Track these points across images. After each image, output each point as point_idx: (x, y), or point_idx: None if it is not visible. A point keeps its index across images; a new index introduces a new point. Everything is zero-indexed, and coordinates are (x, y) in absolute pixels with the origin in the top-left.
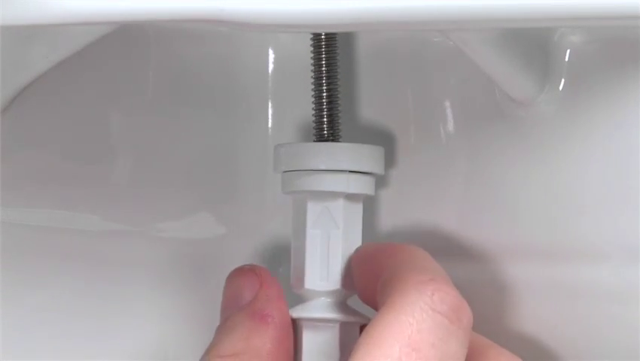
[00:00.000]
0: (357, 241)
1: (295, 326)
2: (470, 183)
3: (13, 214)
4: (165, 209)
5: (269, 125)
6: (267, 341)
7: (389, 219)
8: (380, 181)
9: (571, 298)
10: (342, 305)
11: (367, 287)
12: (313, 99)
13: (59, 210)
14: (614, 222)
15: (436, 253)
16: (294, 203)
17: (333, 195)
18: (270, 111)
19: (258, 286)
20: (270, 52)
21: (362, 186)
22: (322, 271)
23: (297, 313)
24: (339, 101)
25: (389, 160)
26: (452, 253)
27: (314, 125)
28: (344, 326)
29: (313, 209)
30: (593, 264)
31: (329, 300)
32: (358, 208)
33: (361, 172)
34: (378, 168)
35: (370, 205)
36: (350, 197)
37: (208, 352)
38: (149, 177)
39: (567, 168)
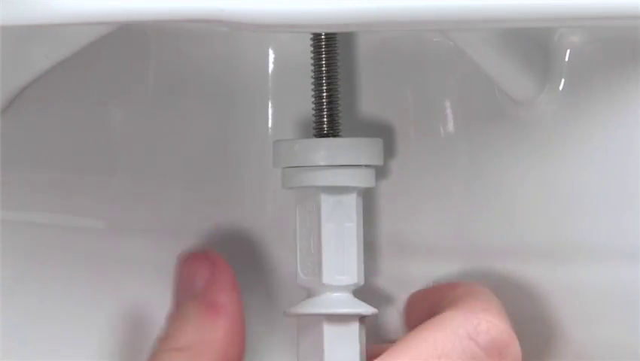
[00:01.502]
0: (361, 234)
1: (307, 320)
2: (470, 183)
3: (13, 214)
4: (165, 208)
5: (270, 124)
6: (220, 333)
7: (389, 216)
8: (380, 177)
9: (571, 298)
10: (355, 298)
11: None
12: (313, 99)
13: (59, 210)
14: (614, 222)
15: (434, 252)
16: (299, 199)
17: (347, 189)
18: (270, 111)
19: (210, 273)
20: (270, 52)
21: (370, 178)
22: (339, 265)
23: (318, 309)
24: (339, 102)
25: (389, 159)
26: (450, 253)
27: (314, 124)
28: (361, 319)
29: (327, 203)
30: (593, 264)
31: (346, 294)
32: (360, 201)
33: (370, 166)
34: (380, 160)
35: (370, 201)
36: (358, 190)
37: (162, 343)
38: (149, 177)
39: (567, 168)
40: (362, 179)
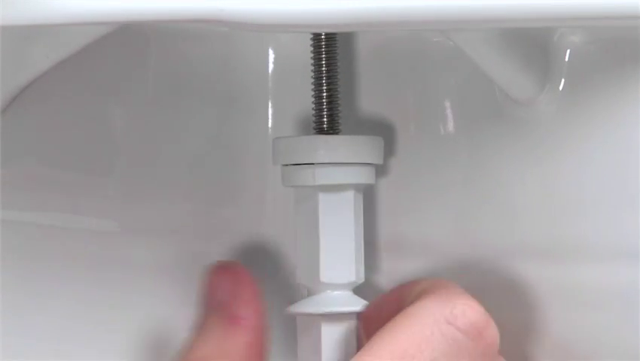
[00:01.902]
0: (362, 232)
1: (306, 319)
2: (470, 182)
3: (13, 214)
4: (165, 207)
5: (270, 124)
6: (240, 345)
7: (389, 214)
8: (380, 175)
9: (571, 298)
10: (355, 296)
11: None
12: (313, 99)
13: (59, 210)
14: (614, 222)
15: (433, 251)
16: (298, 197)
17: (344, 187)
18: (270, 111)
19: (233, 286)
20: (270, 52)
21: (369, 176)
22: (337, 263)
23: (315, 308)
24: (339, 102)
25: (389, 157)
26: (449, 251)
27: (314, 124)
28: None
29: (325, 200)
30: (593, 264)
31: (345, 292)
32: (360, 198)
33: (368, 164)
34: (380, 158)
35: (370, 199)
36: (358, 188)
37: (183, 355)
38: (149, 177)
39: (567, 168)
40: (361, 176)
